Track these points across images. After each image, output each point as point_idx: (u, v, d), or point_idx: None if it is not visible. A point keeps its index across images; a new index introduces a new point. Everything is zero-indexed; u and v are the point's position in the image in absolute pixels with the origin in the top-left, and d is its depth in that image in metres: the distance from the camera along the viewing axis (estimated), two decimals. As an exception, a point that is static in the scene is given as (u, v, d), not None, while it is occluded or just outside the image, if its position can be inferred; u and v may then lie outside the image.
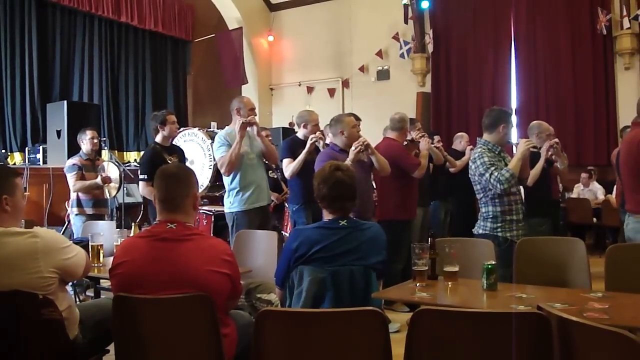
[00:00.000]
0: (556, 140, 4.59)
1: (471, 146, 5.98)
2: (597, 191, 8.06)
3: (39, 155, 7.65)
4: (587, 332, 1.57)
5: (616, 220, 6.03)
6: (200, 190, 5.19)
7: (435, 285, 2.73)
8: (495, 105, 4.37)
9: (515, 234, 3.57)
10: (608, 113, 8.75)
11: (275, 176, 5.76)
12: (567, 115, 8.98)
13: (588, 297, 2.38)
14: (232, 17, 11.14)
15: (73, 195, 5.49)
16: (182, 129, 6.49)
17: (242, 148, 4.31)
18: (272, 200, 5.08)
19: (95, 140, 5.58)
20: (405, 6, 9.88)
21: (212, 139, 5.83)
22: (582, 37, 8.92)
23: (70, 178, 5.42)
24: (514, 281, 2.94)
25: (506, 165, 3.60)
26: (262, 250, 3.57)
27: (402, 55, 10.25)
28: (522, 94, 9.50)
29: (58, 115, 7.40)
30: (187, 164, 5.37)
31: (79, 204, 5.45)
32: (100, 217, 5.46)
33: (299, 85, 11.39)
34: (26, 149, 7.96)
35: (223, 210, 4.69)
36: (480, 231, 3.64)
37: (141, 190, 4.70)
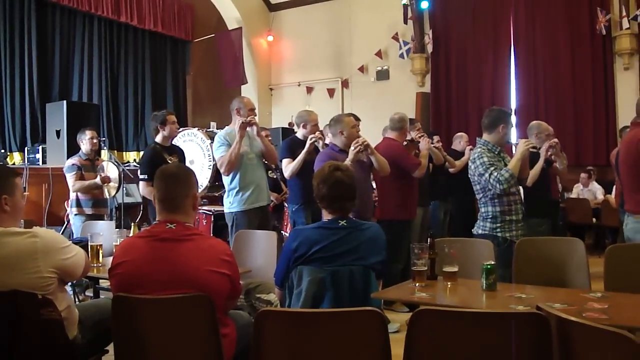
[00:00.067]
0: (555, 140, 4.59)
1: (471, 146, 5.98)
2: (596, 191, 8.06)
3: (39, 155, 7.64)
4: (586, 332, 1.57)
5: (615, 220, 6.03)
6: (199, 191, 5.19)
7: (435, 285, 2.73)
8: (494, 106, 4.38)
9: (515, 234, 3.57)
10: (607, 113, 8.76)
11: (275, 176, 5.76)
12: (566, 116, 8.99)
13: (587, 297, 2.38)
14: (231, 17, 11.14)
15: (72, 195, 5.49)
16: (181, 129, 6.49)
17: (241, 148, 4.31)
18: (272, 201, 5.09)
19: (95, 140, 5.58)
20: (405, 6, 9.88)
21: (212, 139, 5.83)
22: (582, 38, 8.93)
23: (70, 178, 5.42)
24: (513, 281, 2.94)
25: (505, 165, 3.60)
26: (261, 251, 3.57)
27: (401, 56, 10.25)
28: (521, 94, 9.51)
29: (57, 115, 7.40)
30: (187, 164, 5.37)
31: (78, 204, 5.44)
32: (99, 217, 5.45)
33: (299, 85, 11.39)
34: (25, 148, 7.95)
35: (223, 210, 4.69)
36: (480, 231, 3.64)
37: (141, 190, 4.70)
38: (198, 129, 6.89)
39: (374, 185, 5.06)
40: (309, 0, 11.30)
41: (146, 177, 4.48)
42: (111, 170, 5.64)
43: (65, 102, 7.52)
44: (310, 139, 4.59)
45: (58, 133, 7.31)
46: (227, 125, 4.66)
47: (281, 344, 1.88)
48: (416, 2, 9.88)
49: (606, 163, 7.79)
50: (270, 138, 5.49)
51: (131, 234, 3.33)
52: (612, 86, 8.76)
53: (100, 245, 3.32)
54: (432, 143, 5.54)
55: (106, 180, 5.50)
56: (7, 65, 8.28)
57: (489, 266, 2.58)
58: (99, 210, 5.54)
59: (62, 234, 4.14)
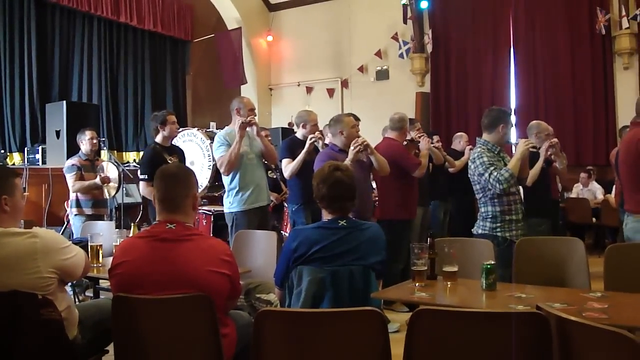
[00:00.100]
0: (555, 139, 4.59)
1: (470, 146, 5.98)
2: (596, 191, 8.06)
3: (38, 156, 7.64)
4: (586, 331, 1.57)
5: (615, 220, 6.03)
6: (199, 191, 5.19)
7: (435, 285, 2.73)
8: (494, 105, 4.37)
9: (515, 234, 3.57)
10: (607, 113, 8.76)
11: (275, 176, 5.76)
12: (566, 115, 8.99)
13: (587, 297, 2.38)
14: (231, 17, 11.14)
15: (72, 196, 5.49)
16: (181, 129, 6.49)
17: (241, 148, 4.31)
18: (272, 201, 5.09)
19: (95, 141, 5.58)
20: (404, 6, 9.88)
21: (211, 139, 5.84)
22: (581, 37, 8.93)
23: (70, 178, 5.42)
24: (513, 281, 2.94)
25: (505, 165, 3.61)
26: (261, 251, 3.57)
27: (401, 56, 10.25)
28: (521, 94, 9.51)
29: (57, 116, 7.39)
30: (187, 164, 5.37)
31: (78, 204, 5.44)
32: (99, 217, 5.45)
33: (298, 85, 11.40)
34: (25, 149, 7.94)
35: (222, 210, 4.69)
36: (480, 231, 3.64)
37: (142, 190, 4.70)
38: (198, 129, 6.89)
39: (374, 185, 5.06)
40: (308, 0, 11.30)
41: (146, 177, 4.48)
42: (111, 171, 5.64)
43: (65, 102, 7.52)
44: (310, 139, 4.59)
45: (58, 133, 7.31)
46: (227, 125, 4.66)
47: (281, 344, 1.88)
48: (416, 2, 9.88)
49: (606, 163, 7.80)
50: (270, 138, 5.49)
51: (131, 234, 3.33)
52: (612, 86, 8.76)
53: (100, 246, 3.32)
54: (432, 143, 5.54)
55: (106, 180, 5.50)
56: (7, 66, 8.28)
57: (488, 266, 2.58)
58: (99, 210, 5.54)
59: (62, 234, 4.14)
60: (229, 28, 10.95)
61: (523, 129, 5.57)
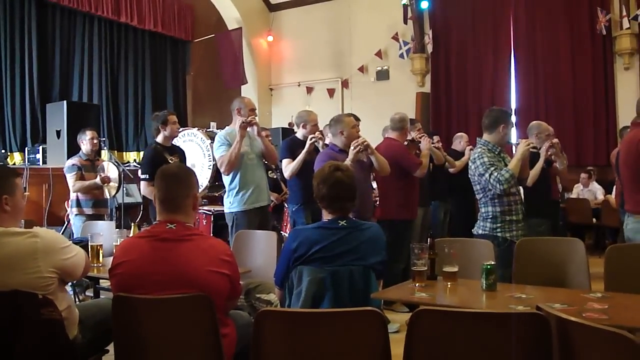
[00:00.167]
0: (556, 140, 4.59)
1: (471, 146, 5.98)
2: (596, 191, 8.06)
3: (39, 156, 7.64)
4: (586, 332, 1.57)
5: (616, 221, 6.03)
6: (199, 191, 5.19)
7: (435, 285, 2.73)
8: (494, 106, 4.38)
9: (515, 234, 3.57)
10: (607, 113, 8.75)
11: (275, 176, 5.76)
12: (566, 116, 8.98)
13: (587, 298, 2.38)
14: (231, 17, 11.14)
15: (72, 196, 5.49)
16: (181, 129, 6.49)
17: (242, 148, 4.32)
18: (272, 201, 5.09)
19: (95, 141, 5.58)
20: (405, 6, 9.88)
21: (212, 139, 5.84)
22: (582, 38, 8.93)
23: (70, 178, 5.42)
24: (513, 281, 2.94)
25: (506, 165, 3.61)
26: (261, 251, 3.57)
27: (401, 56, 10.25)
28: (521, 94, 9.50)
29: (58, 116, 7.40)
30: (188, 165, 5.36)
31: (78, 204, 5.45)
32: (99, 217, 5.46)
33: (299, 85, 11.40)
34: (26, 149, 7.96)
35: (223, 210, 4.69)
36: (480, 231, 3.65)
37: (142, 190, 4.70)
38: (198, 129, 6.89)
39: (374, 185, 5.06)
40: (309, 0, 11.30)
41: (147, 177, 4.48)
42: (111, 171, 5.65)
43: (65, 102, 7.52)
44: (310, 139, 4.59)
45: (58, 133, 7.31)
46: (227, 126, 4.67)
47: (281, 344, 1.88)
48: (416, 2, 9.88)
49: (606, 163, 7.79)
50: (270, 138, 5.49)
51: (131, 234, 3.33)
52: (612, 86, 8.76)
53: (101, 245, 3.32)
54: (432, 143, 5.54)
55: (106, 180, 5.50)
56: (7, 66, 8.28)
57: (489, 266, 2.58)
58: (99, 210, 5.55)
59: (62, 234, 4.14)
60: (230, 28, 10.95)
61: (523, 129, 5.56)
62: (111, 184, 5.59)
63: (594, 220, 7.67)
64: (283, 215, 5.69)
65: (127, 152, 10.01)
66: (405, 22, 10.03)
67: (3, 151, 7.96)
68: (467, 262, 2.89)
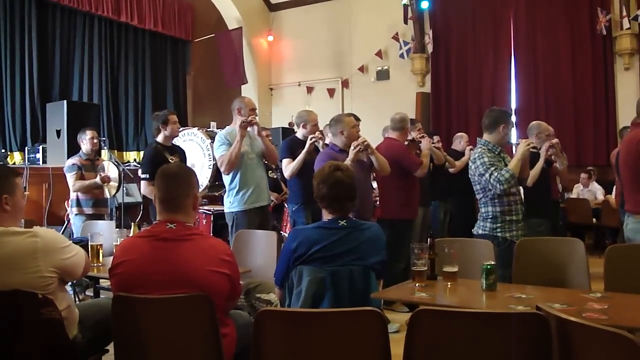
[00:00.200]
0: (556, 140, 4.59)
1: (471, 146, 5.99)
2: (596, 191, 8.06)
3: (39, 155, 7.65)
4: (586, 332, 1.57)
5: (616, 221, 6.03)
6: (200, 190, 5.19)
7: (435, 285, 2.73)
8: (495, 106, 4.38)
9: (515, 234, 3.57)
10: (608, 113, 8.75)
11: (275, 176, 5.76)
12: (566, 116, 8.98)
13: (587, 298, 2.38)
14: (231, 17, 11.14)
15: (72, 195, 5.49)
16: (181, 128, 6.49)
17: (242, 148, 4.32)
18: (272, 200, 5.09)
19: (95, 140, 5.58)
20: (405, 6, 9.88)
21: (212, 138, 5.84)
22: (582, 38, 8.93)
23: (70, 178, 5.43)
24: (513, 281, 2.94)
25: (506, 165, 3.61)
26: (261, 250, 3.57)
27: (401, 56, 10.25)
28: (521, 94, 9.50)
29: (58, 115, 7.40)
30: (188, 165, 5.36)
31: (78, 203, 5.45)
32: (99, 216, 5.46)
33: (299, 85, 11.39)
34: (26, 148, 7.96)
35: (223, 210, 4.69)
36: (480, 231, 3.65)
37: (143, 190, 4.71)
38: (198, 129, 6.89)
39: (374, 185, 5.06)
40: (309, 0, 11.30)
41: (147, 176, 4.48)
42: (111, 170, 5.64)
43: (65, 101, 7.52)
44: (310, 139, 4.59)
45: (58, 133, 7.31)
46: (228, 125, 4.67)
47: (281, 344, 1.88)
48: (416, 2, 9.88)
49: (606, 163, 7.79)
50: (270, 138, 5.49)
51: (131, 234, 3.33)
52: (613, 86, 8.76)
53: (101, 245, 3.32)
54: (433, 143, 5.55)
55: (106, 180, 5.50)
56: (7, 65, 8.29)
57: (489, 266, 2.58)
58: (99, 210, 5.55)
59: (62, 233, 4.15)
60: (230, 28, 10.95)
61: (523, 130, 5.57)
62: (111, 183, 5.59)
63: (594, 220, 7.67)
64: (283, 215, 5.69)
65: (127, 152, 10.02)
66: (406, 22, 10.02)
67: (3, 151, 7.97)
68: (467, 262, 2.88)
